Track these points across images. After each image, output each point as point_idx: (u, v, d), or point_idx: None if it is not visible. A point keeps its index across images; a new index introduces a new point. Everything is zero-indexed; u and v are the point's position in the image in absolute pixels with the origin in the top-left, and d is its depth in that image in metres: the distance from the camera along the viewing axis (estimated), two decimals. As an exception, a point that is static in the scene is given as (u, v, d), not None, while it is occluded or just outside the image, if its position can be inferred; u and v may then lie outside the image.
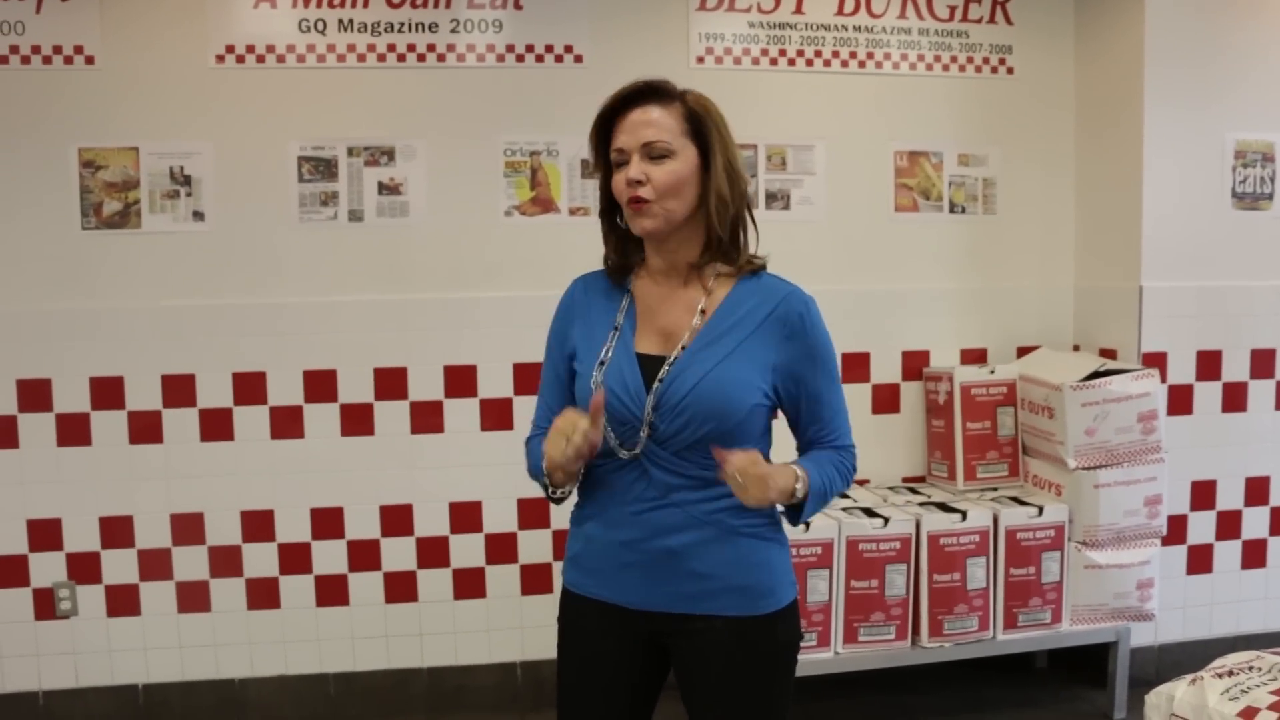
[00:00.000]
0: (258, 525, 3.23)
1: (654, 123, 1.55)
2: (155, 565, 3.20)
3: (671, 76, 1.61)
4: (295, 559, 3.25)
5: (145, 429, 3.17)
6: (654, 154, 1.54)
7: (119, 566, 3.19)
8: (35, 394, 3.11)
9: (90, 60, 3.14)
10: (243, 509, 3.22)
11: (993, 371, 3.44)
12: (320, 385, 3.24)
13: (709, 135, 1.57)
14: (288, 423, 3.22)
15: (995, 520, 3.11)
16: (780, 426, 1.66)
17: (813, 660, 2.96)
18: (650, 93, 1.57)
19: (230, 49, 3.18)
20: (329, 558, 3.27)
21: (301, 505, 3.24)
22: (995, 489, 3.40)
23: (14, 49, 3.11)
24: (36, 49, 3.11)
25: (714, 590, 1.57)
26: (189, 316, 3.17)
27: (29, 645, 3.16)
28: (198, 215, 3.19)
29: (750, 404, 1.55)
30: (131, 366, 3.16)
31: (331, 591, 3.28)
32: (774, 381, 1.58)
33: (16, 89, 3.10)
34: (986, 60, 3.58)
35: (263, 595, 3.25)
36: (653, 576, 1.58)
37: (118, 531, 3.18)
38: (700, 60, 3.39)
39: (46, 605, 3.17)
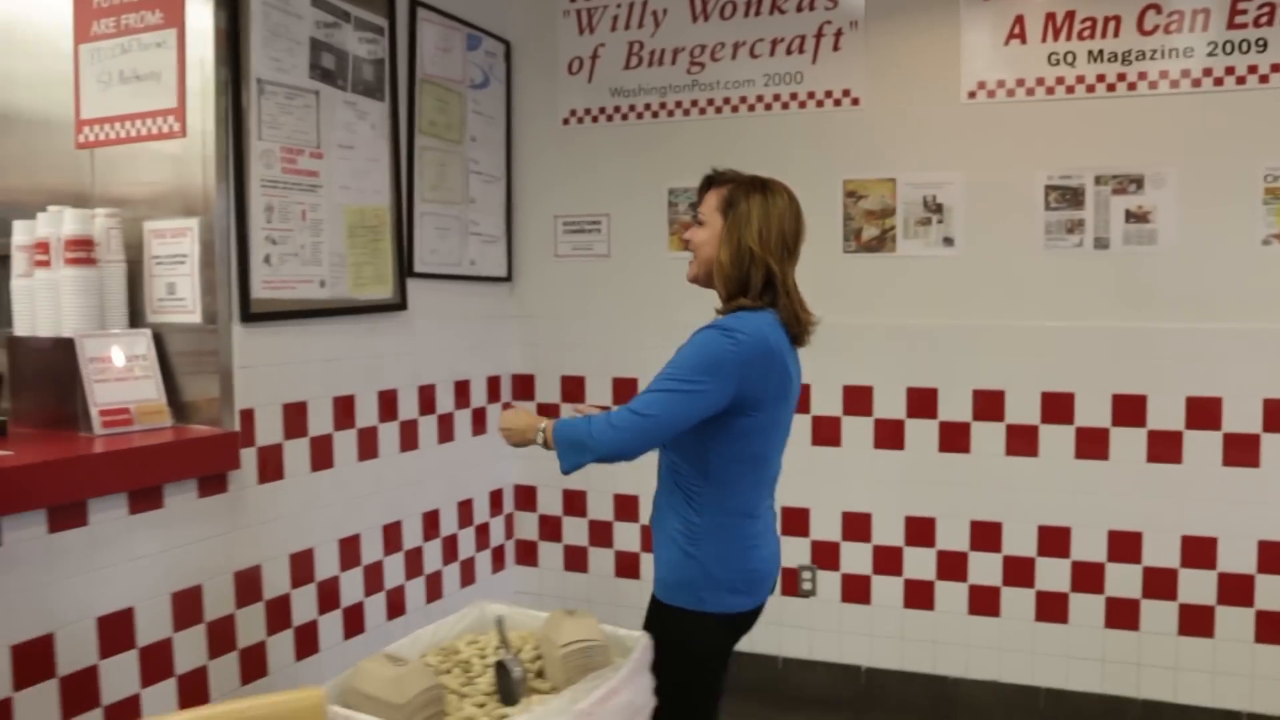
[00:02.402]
0: (985, 536, 3.40)
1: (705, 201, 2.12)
2: (888, 561, 3.50)
3: None
4: (1019, 572, 3.38)
5: (888, 435, 3.47)
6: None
7: (856, 558, 3.53)
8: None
9: (856, 102, 3.50)
10: (973, 519, 3.41)
11: None
12: (1056, 407, 3.33)
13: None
14: (1023, 441, 3.36)
15: None
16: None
17: None
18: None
19: (981, 85, 3.38)
20: (1052, 575, 3.36)
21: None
22: None
23: (794, 95, 3.56)
24: (811, 94, 3.54)
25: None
26: (935, 335, 3.42)
27: (775, 615, 3.61)
28: (947, 241, 3.43)
29: None
30: (879, 377, 3.48)
31: (1051, 608, 3.37)
32: None
33: (795, 129, 3.55)
34: None
35: (984, 602, 3.42)
36: None
37: (857, 526, 3.52)
38: None
39: (791, 583, 3.60)
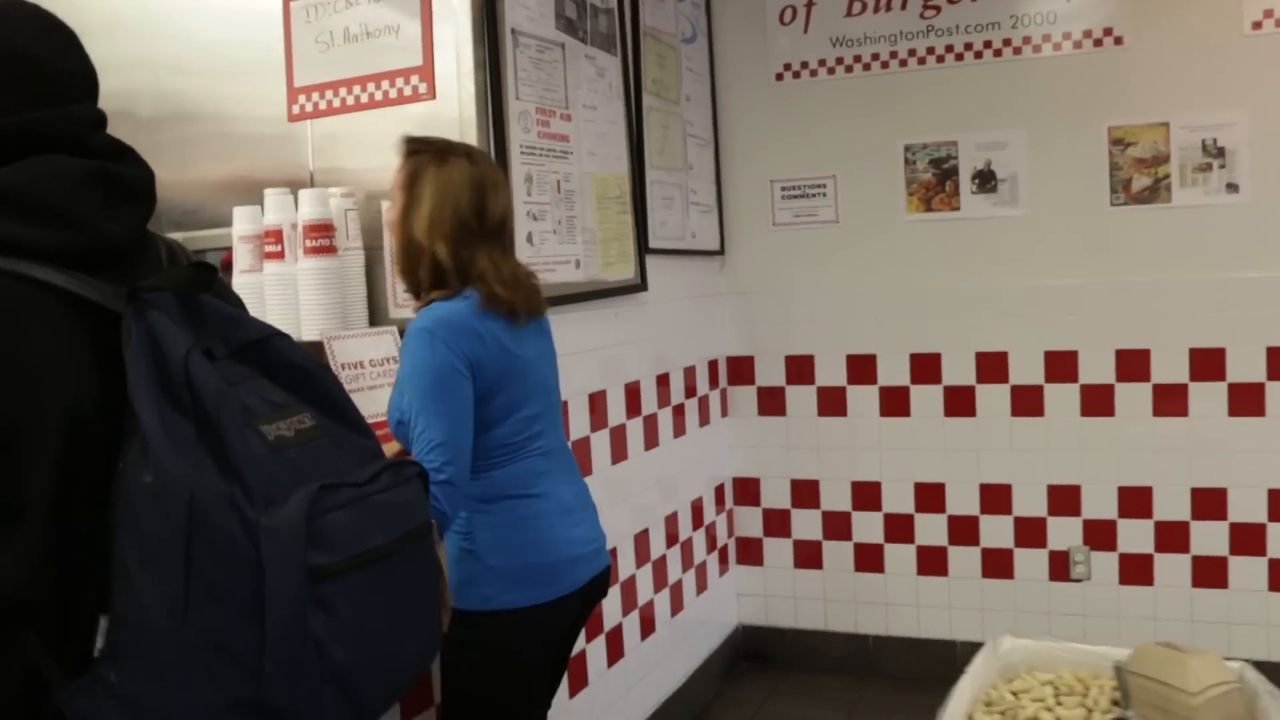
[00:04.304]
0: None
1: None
2: (1172, 538, 3.22)
3: None
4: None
5: (1168, 403, 3.19)
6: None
7: (1135, 535, 3.24)
8: (1062, 365, 3.25)
9: (1119, 41, 3.19)
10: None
11: None
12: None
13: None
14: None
15: None
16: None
17: None
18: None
19: (1268, 13, 3.08)
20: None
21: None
22: None
23: (1046, 37, 3.24)
24: (1067, 35, 3.23)
25: None
26: (1221, 290, 3.13)
27: (1042, 603, 3.33)
28: (1231, 187, 3.14)
29: (393, 422, 1.78)
30: (1156, 339, 3.19)
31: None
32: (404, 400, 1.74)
33: (1048, 75, 3.24)
34: None
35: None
36: None
37: (1135, 502, 3.24)
38: None
39: (1061, 568, 3.31)
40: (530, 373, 1.84)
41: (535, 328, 1.89)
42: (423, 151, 1.80)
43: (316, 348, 2.17)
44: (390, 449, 2.09)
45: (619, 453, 2.85)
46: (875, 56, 3.40)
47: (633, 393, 2.95)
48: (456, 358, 1.68)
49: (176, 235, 2.68)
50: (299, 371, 1.01)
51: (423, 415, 1.66)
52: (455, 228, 1.75)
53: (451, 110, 2.27)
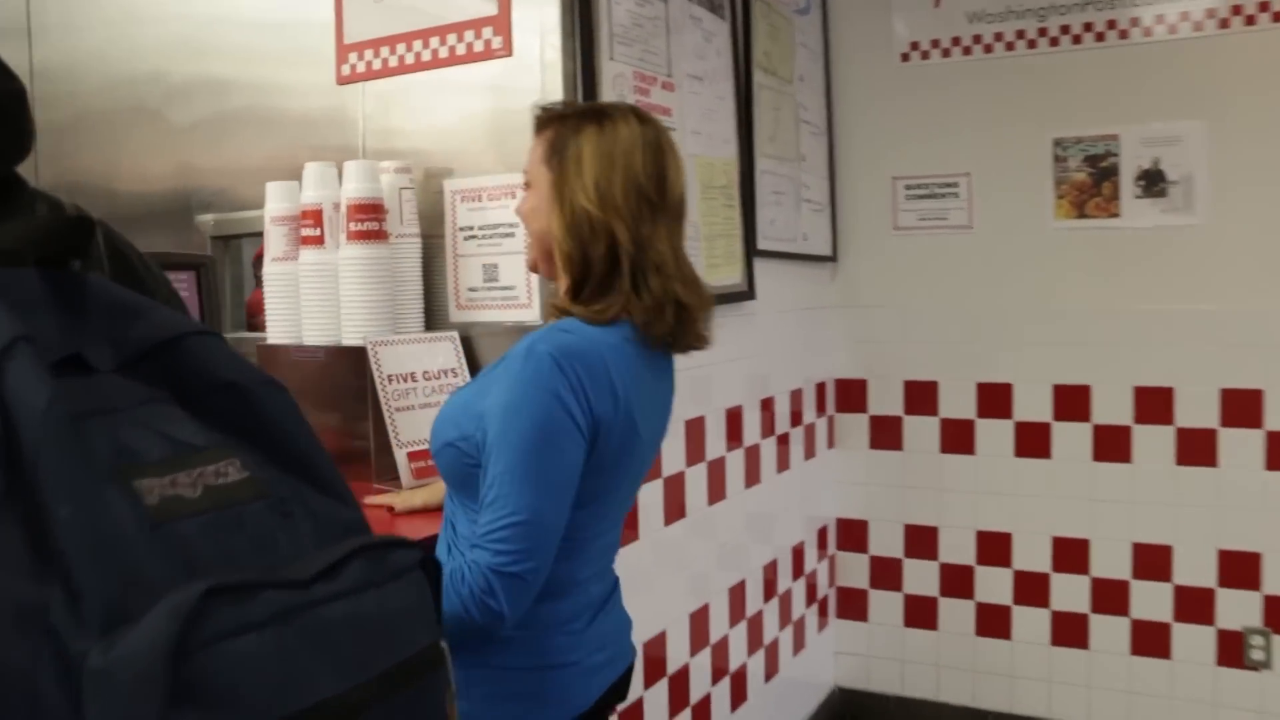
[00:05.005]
0: None
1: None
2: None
3: None
4: None
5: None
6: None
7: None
8: (1244, 406, 2.71)
9: (1327, 17, 2.65)
10: None
11: None
12: None
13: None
14: None
15: None
16: None
17: None
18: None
19: None
20: None
21: None
22: None
23: (1236, 10, 2.72)
24: (1265, 6, 2.69)
25: None
26: None
27: (1205, 692, 2.79)
28: None
29: (441, 441, 1.28)
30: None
31: None
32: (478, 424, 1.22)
33: (1239, 54, 2.71)
34: None
35: None
36: None
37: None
38: None
39: (1233, 652, 2.77)
40: (648, 448, 1.36)
41: (667, 367, 1.41)
42: (569, 115, 1.34)
43: (358, 354, 1.77)
44: (421, 497, 1.65)
45: (716, 491, 2.40)
46: (1021, 34, 2.90)
47: (734, 419, 2.49)
48: (580, 410, 1.20)
49: (207, 218, 2.32)
50: (234, 393, 0.56)
51: (508, 477, 1.17)
52: (633, 199, 1.28)
53: (531, 71, 1.86)
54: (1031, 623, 2.95)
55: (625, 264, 1.27)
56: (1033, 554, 2.93)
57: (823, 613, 3.10)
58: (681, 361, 2.22)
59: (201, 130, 2.26)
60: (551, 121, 1.35)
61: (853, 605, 3.16)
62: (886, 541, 3.10)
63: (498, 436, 1.19)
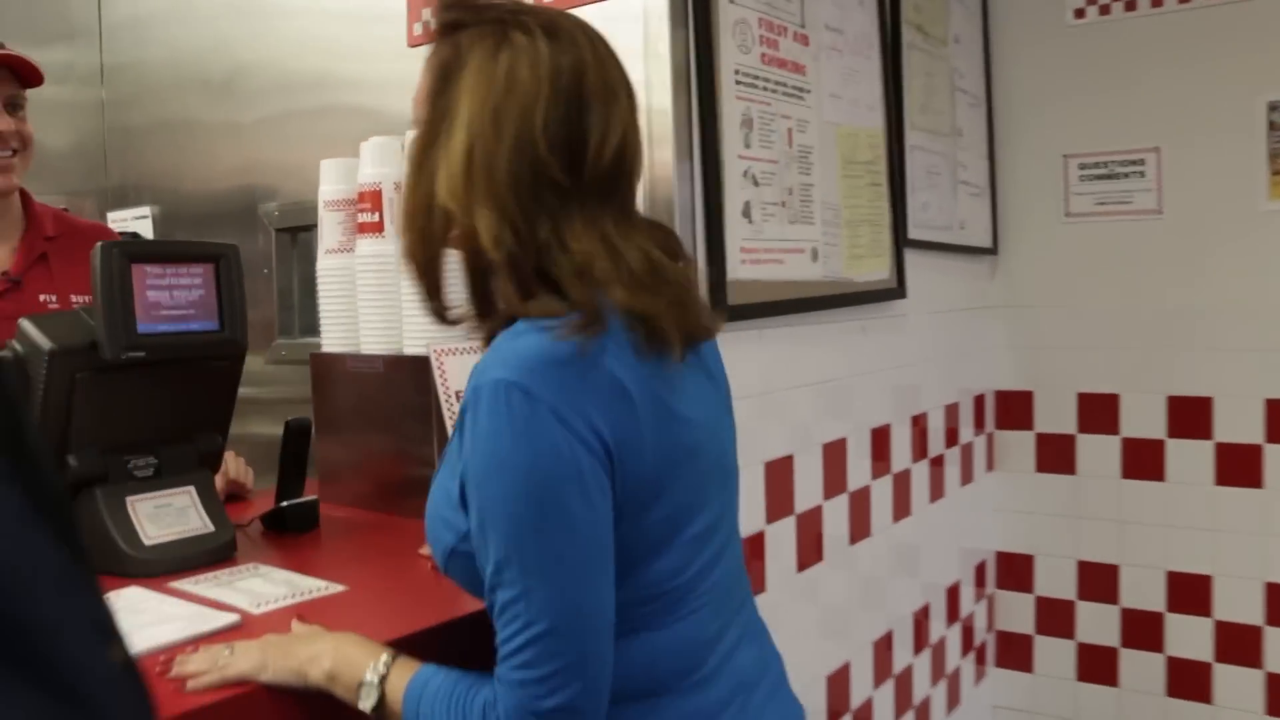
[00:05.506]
0: None
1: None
2: None
3: None
4: None
5: None
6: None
7: None
8: None
9: None
10: None
11: None
12: None
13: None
14: None
15: None
16: None
17: None
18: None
19: None
20: None
21: None
22: None
23: None
24: None
25: None
26: None
27: None
28: None
29: (443, 549, 0.93)
30: None
31: None
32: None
33: None
34: None
35: None
36: None
37: None
38: None
39: None
40: (703, 450, 0.96)
41: (693, 360, 0.99)
42: (466, 24, 0.94)
43: (421, 365, 1.47)
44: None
45: (860, 528, 2.02)
46: (1227, -20, 2.43)
47: (880, 440, 2.11)
48: (578, 438, 0.84)
49: (270, 206, 2.07)
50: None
51: (508, 575, 0.84)
52: (519, 177, 0.89)
53: (632, 8, 1.52)
54: (1240, 684, 2.46)
55: (513, 271, 0.89)
56: (1240, 602, 2.45)
57: (980, 660, 2.67)
58: (820, 370, 1.88)
59: (268, 119, 2.02)
60: (447, 32, 0.94)
61: (1015, 653, 2.73)
62: (1055, 580, 2.66)
63: (479, 526, 0.86)
